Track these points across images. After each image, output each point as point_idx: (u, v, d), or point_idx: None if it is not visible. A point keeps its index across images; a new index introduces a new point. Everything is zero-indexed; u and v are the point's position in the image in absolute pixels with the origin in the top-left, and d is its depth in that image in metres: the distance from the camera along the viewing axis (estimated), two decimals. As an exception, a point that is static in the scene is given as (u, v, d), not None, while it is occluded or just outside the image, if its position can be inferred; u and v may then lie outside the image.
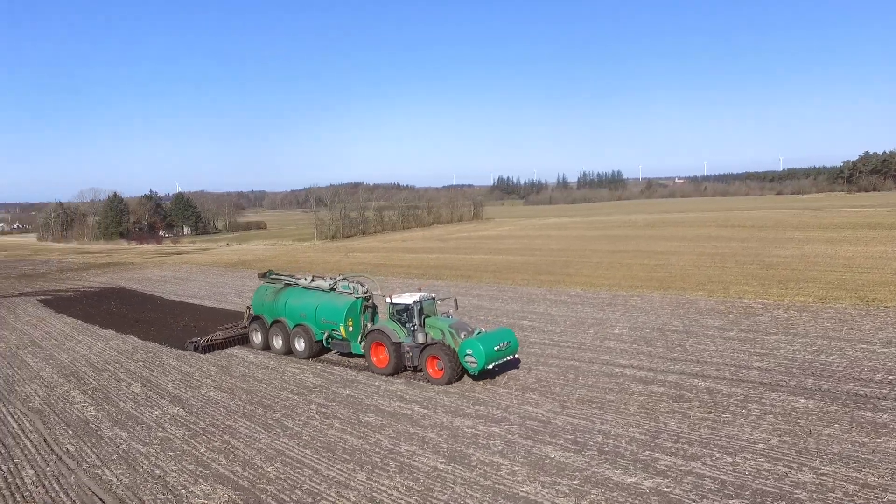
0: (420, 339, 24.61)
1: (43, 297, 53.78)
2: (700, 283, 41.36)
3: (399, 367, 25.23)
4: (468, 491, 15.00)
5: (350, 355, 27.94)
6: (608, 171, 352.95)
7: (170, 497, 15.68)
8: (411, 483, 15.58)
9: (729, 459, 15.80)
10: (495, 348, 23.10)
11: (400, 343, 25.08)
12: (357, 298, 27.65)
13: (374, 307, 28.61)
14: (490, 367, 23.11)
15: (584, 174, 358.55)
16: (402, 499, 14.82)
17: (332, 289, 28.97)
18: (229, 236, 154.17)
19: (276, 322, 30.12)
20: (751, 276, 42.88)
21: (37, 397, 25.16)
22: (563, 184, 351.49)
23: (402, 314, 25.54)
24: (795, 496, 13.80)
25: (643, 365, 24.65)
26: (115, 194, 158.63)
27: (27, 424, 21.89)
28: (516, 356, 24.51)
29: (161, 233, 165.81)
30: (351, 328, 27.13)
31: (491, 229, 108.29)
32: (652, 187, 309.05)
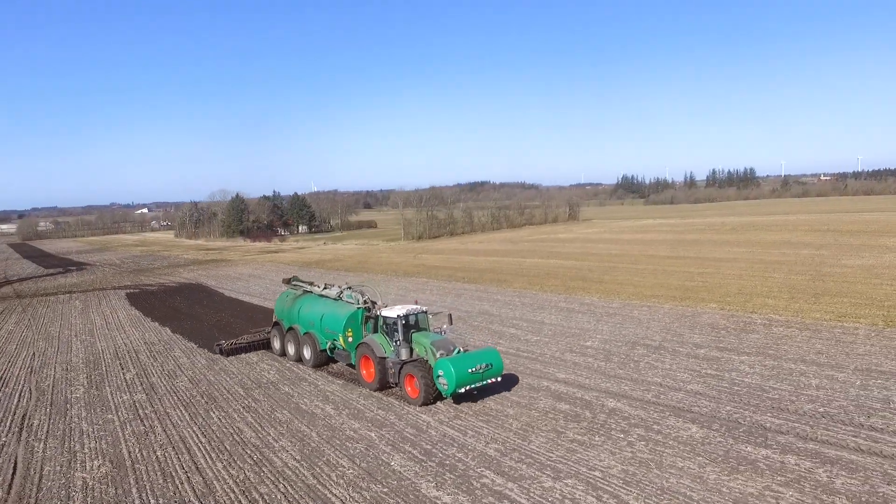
0: (403, 354, 23.45)
1: (131, 291, 60.84)
2: (724, 295, 38.83)
3: (384, 383, 24.13)
4: (276, 486, 16.22)
5: (352, 366, 26.84)
6: (740, 169, 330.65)
7: (66, 462, 18.25)
8: (246, 471, 17.01)
9: (548, 484, 15.63)
10: (469, 370, 21.41)
11: (385, 358, 24.01)
12: (358, 308, 26.57)
13: (377, 318, 26.12)
14: (463, 390, 21.52)
15: (714, 172, 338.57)
16: (227, 481, 16.30)
17: (339, 297, 28.33)
18: (337, 235, 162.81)
19: (290, 329, 30.16)
20: (788, 288, 39.52)
21: (49, 377, 29.36)
22: (689, 182, 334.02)
23: (389, 328, 24.44)
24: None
25: (574, 380, 24.20)
26: (237, 195, 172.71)
27: (21, 401, 25.83)
28: (499, 379, 22.50)
29: (281, 231, 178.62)
30: (350, 338, 26.16)
31: (574, 231, 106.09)
32: (787, 185, 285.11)
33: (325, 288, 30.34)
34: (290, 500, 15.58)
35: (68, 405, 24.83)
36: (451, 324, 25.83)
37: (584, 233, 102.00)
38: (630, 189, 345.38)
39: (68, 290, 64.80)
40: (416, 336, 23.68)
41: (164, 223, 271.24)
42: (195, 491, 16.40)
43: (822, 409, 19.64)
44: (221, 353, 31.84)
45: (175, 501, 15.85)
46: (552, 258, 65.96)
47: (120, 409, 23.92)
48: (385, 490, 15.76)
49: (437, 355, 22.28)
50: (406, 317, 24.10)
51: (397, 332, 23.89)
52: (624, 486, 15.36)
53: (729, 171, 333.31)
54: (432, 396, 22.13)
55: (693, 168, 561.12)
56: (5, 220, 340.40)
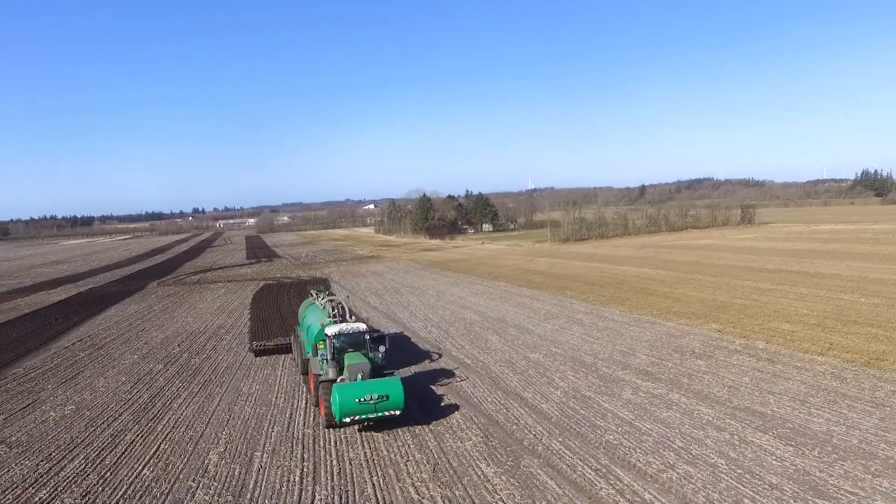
0: (330, 374, 22.94)
1: (269, 283, 72.09)
2: (753, 320, 35.97)
3: (317, 400, 23.39)
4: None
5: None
6: None
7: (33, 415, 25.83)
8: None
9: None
10: (357, 400, 20.55)
11: (319, 375, 23.76)
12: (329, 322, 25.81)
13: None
14: (348, 420, 20.81)
15: None
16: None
17: (324, 308, 28.43)
18: (513, 234, 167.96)
19: (297, 335, 31.29)
20: (856, 317, 34.85)
21: (136, 353, 38.49)
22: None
23: (326, 345, 23.96)
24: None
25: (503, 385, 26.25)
26: (424, 194, 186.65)
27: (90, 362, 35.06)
28: (397, 413, 21.27)
29: (470, 230, 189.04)
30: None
31: (725, 237, 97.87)
32: None
33: (325, 298, 30.51)
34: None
35: (128, 363, 33.28)
36: (387, 346, 24.84)
37: (733, 238, 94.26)
38: (870, 185, 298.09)
39: (230, 279, 78.48)
40: (346, 356, 23.28)
41: (378, 219, 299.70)
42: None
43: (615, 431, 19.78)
44: (253, 353, 34.82)
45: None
46: (652, 267, 63.71)
47: (120, 379, 31.58)
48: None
49: (343, 379, 21.90)
50: (339, 335, 23.64)
51: (327, 350, 23.60)
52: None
53: None
54: (332, 421, 21.44)
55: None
56: (255, 214, 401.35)
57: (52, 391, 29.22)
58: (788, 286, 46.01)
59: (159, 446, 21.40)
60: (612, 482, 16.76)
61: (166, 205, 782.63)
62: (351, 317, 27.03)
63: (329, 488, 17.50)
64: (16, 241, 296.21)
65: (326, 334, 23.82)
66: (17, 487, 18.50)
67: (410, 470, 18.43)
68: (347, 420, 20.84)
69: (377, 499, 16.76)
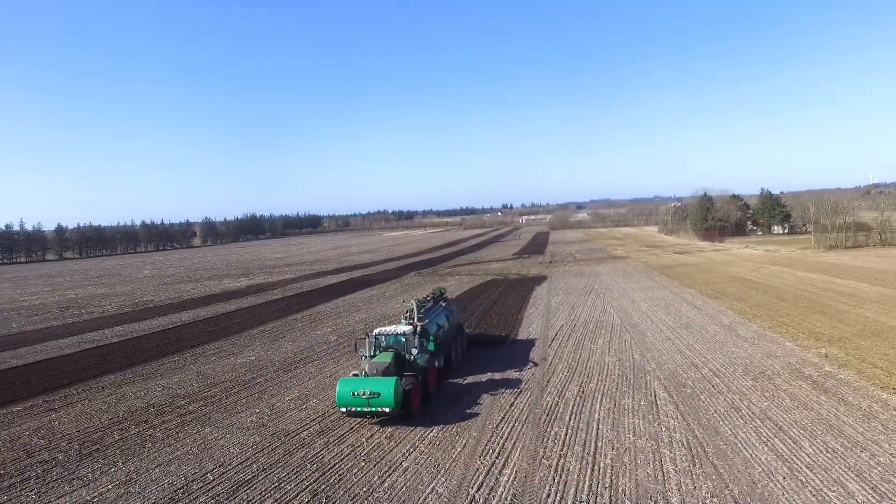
0: (366, 369, 25.35)
1: (496, 278, 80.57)
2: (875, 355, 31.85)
3: None
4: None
5: None
6: None
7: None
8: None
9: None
10: (353, 393, 23.25)
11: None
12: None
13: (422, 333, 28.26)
14: (344, 410, 23.62)
15: None
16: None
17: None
18: (801, 237, 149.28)
19: None
20: None
21: (329, 341, 50.57)
22: None
23: None
24: None
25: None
26: (704, 193, 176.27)
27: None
28: (387, 410, 23.21)
29: (759, 231, 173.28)
30: None
31: None
32: None
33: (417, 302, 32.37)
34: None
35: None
36: (419, 348, 26.76)
37: None
38: None
39: (472, 272, 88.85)
40: (378, 354, 26.17)
41: (663, 218, 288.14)
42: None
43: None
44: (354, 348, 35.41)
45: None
46: (864, 281, 54.88)
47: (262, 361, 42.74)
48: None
49: (356, 374, 25.40)
50: (379, 335, 27.08)
51: (368, 347, 26.89)
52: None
53: None
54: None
55: None
56: (557, 210, 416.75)
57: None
58: None
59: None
60: None
61: (478, 200, 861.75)
62: (416, 319, 29.33)
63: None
64: (353, 231, 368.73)
65: (367, 334, 27.92)
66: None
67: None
68: (344, 410, 23.70)
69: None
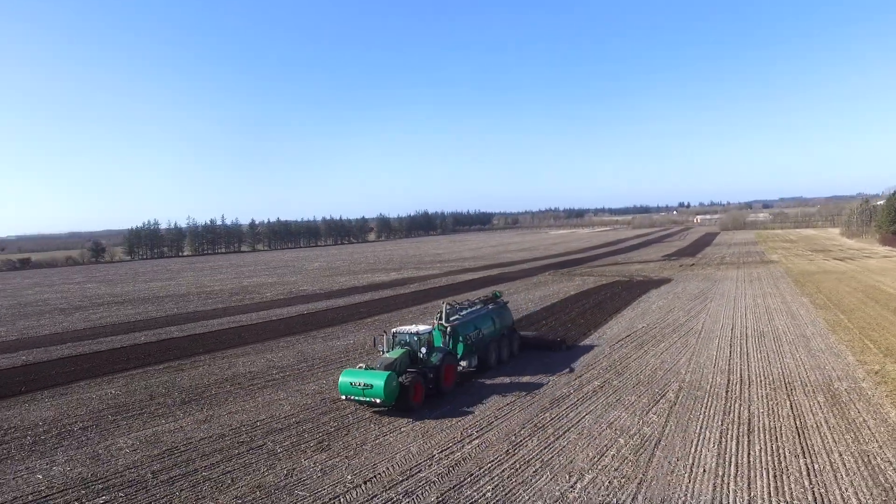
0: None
1: (622, 279, 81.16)
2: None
3: None
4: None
5: None
6: None
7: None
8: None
9: None
10: (350, 383, 26.25)
11: None
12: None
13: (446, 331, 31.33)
14: (344, 397, 26.94)
15: None
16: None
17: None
18: None
19: None
20: None
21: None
22: None
23: None
24: None
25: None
26: (894, 192, 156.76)
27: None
28: (378, 400, 25.68)
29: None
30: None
31: None
32: None
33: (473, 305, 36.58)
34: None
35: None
36: (375, 345, 30.60)
37: None
38: None
39: (602, 273, 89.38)
40: (391, 350, 29.02)
41: (846, 219, 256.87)
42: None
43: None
44: None
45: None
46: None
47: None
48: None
49: (362, 366, 28.01)
50: (396, 333, 29.75)
51: (385, 343, 29.74)
52: None
53: None
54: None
55: None
56: (719, 210, 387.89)
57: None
58: None
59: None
60: None
61: (654, 199, 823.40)
62: (445, 321, 31.81)
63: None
64: (520, 229, 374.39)
65: (385, 331, 30.99)
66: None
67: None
68: (344, 397, 26.93)
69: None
